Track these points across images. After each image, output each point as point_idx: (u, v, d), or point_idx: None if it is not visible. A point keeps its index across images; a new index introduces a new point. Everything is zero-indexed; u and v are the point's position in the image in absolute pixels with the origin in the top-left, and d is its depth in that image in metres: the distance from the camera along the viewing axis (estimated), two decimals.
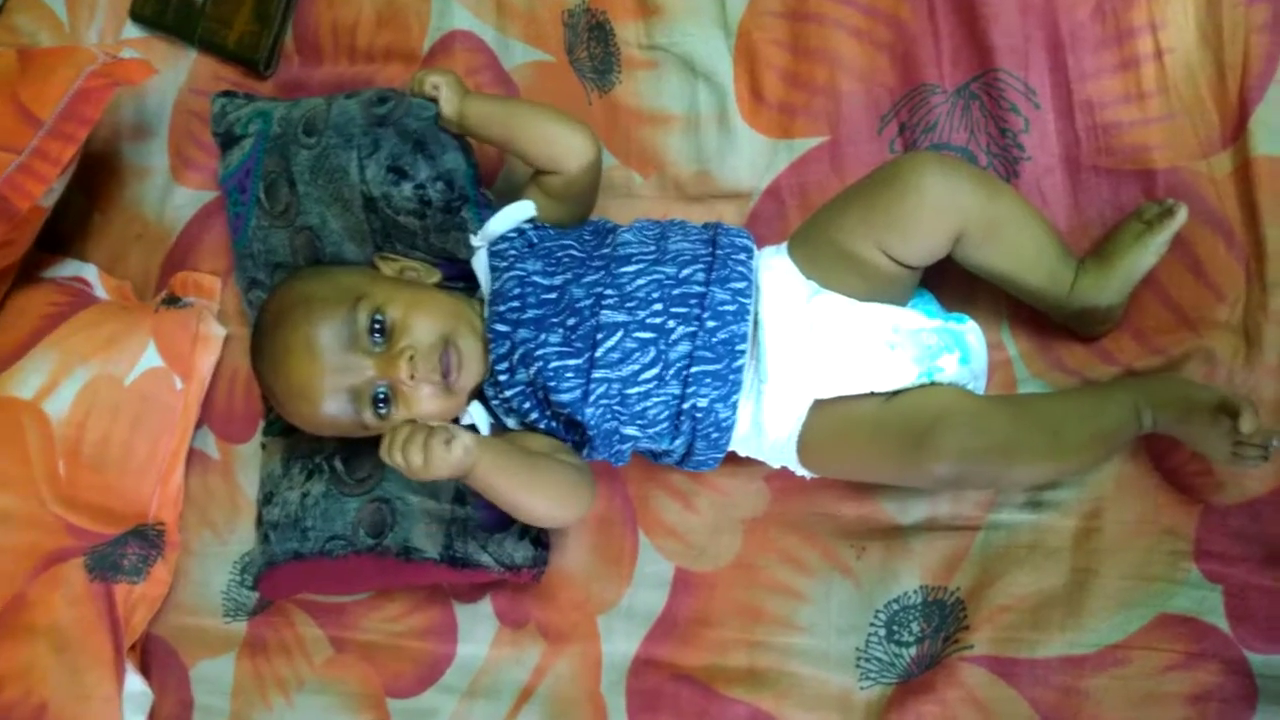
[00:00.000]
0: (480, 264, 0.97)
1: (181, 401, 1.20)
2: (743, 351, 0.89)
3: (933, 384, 0.88)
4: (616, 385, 0.90)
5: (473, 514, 1.04)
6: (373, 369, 0.91)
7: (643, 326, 0.89)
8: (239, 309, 1.22)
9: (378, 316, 0.91)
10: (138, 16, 1.30)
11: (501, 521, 1.03)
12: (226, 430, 1.22)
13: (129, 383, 1.19)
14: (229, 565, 1.20)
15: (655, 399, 0.90)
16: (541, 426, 0.95)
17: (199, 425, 1.23)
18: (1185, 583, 0.86)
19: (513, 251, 0.95)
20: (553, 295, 0.92)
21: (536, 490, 0.89)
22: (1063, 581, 0.90)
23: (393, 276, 0.99)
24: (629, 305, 0.89)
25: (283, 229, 1.09)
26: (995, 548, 0.93)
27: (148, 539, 1.20)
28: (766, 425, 0.91)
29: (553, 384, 0.91)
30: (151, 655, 1.22)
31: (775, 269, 0.93)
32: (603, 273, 0.91)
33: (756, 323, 0.91)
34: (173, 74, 1.29)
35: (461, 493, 1.04)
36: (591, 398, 0.90)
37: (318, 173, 1.05)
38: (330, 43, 1.22)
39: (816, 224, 0.93)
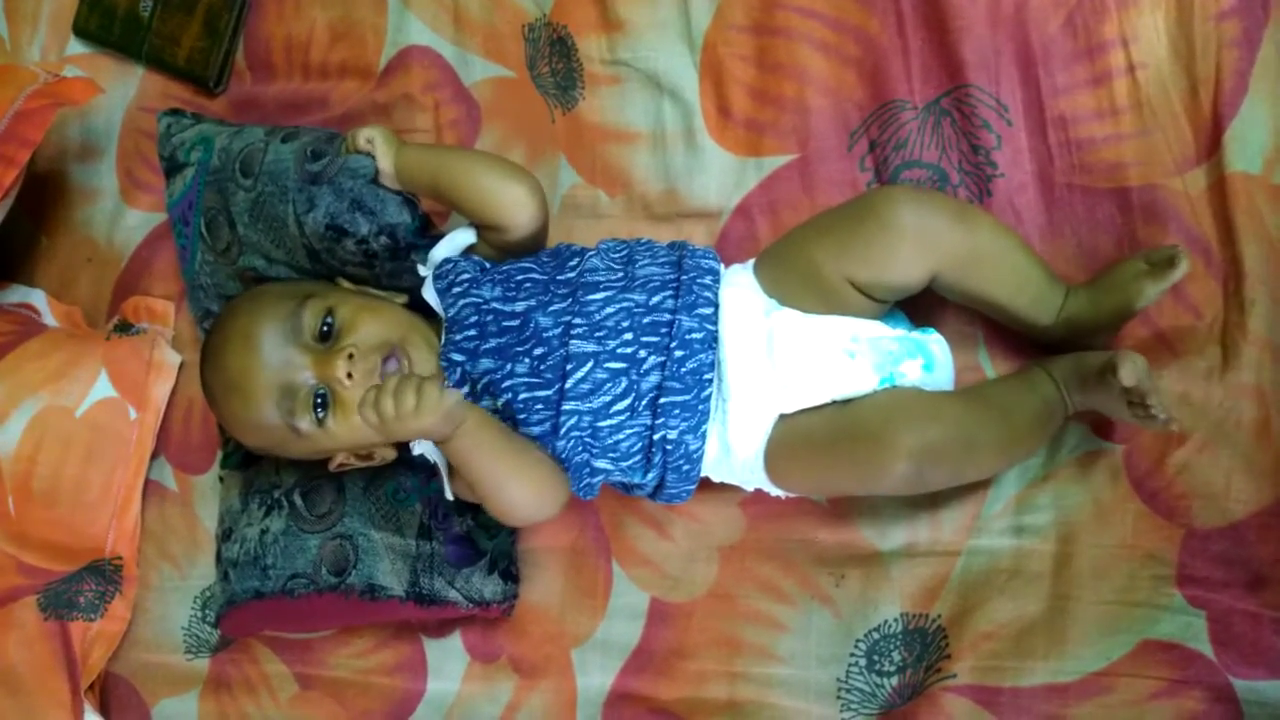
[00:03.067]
0: (430, 294, 0.93)
1: (136, 432, 1.17)
2: (710, 380, 0.87)
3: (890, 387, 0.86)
4: (587, 418, 0.87)
5: (438, 549, 1.01)
6: (310, 367, 0.87)
7: (614, 356, 0.86)
8: (194, 335, 1.19)
9: (327, 318, 0.88)
10: (82, 32, 1.26)
11: (469, 556, 1.00)
12: (184, 461, 1.19)
13: (80, 414, 1.15)
14: (190, 600, 1.17)
15: (628, 430, 0.88)
16: None
17: (155, 456, 1.19)
18: (1169, 608, 0.85)
19: (465, 276, 0.91)
20: (515, 323, 0.88)
21: (519, 471, 0.86)
22: (1044, 608, 0.89)
23: (352, 290, 0.96)
24: (599, 335, 0.86)
25: (226, 267, 1.06)
26: (975, 574, 0.91)
27: (104, 574, 1.17)
28: (734, 444, 0.88)
29: (523, 416, 0.88)
30: (111, 694, 1.18)
31: (737, 285, 0.90)
32: (569, 300, 0.88)
33: (717, 341, 0.88)
34: (120, 92, 1.25)
35: (428, 528, 1.01)
36: (562, 430, 0.88)
37: (256, 218, 1.01)
38: (283, 59, 1.18)
39: (787, 248, 0.91)
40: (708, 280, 0.89)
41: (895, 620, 0.93)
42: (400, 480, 1.02)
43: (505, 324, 0.88)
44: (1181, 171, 0.88)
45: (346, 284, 0.97)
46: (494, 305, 0.89)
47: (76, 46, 1.27)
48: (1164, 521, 0.87)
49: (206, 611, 1.15)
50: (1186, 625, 0.85)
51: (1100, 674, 0.86)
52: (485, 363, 0.88)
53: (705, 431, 0.87)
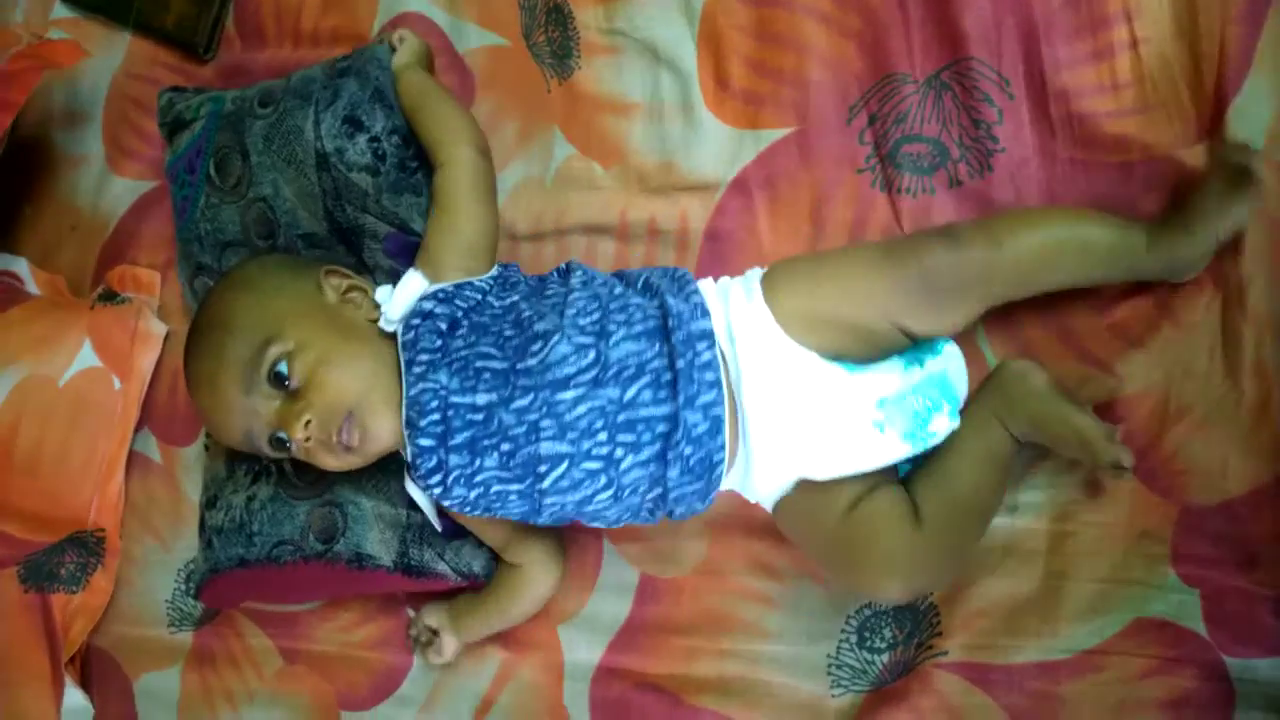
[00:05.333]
0: (399, 346, 0.89)
1: (120, 402, 1.15)
2: (721, 460, 0.84)
3: (880, 487, 0.86)
4: (572, 504, 0.86)
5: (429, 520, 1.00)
6: (270, 417, 0.86)
7: (589, 457, 0.83)
8: (180, 304, 1.17)
9: (280, 369, 0.85)
10: None
11: (459, 529, 0.99)
12: (168, 432, 1.17)
13: (63, 383, 1.13)
14: (173, 573, 1.16)
15: (616, 509, 0.87)
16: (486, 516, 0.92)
17: (139, 427, 1.18)
18: (1162, 586, 0.85)
19: (424, 356, 0.85)
20: (479, 416, 0.84)
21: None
22: (1037, 586, 0.88)
23: (331, 305, 0.91)
24: (570, 436, 0.82)
25: (234, 204, 1.04)
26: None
27: (86, 546, 1.15)
28: (755, 483, 0.88)
29: (498, 505, 0.87)
30: (92, 668, 1.18)
31: (747, 320, 0.85)
32: (533, 396, 0.82)
33: (734, 390, 0.85)
34: (107, 57, 1.23)
35: None
36: (545, 514, 0.87)
37: (271, 139, 1.01)
38: (273, 25, 1.16)
39: (814, 285, 0.86)
40: (706, 357, 0.83)
41: None
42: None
43: (469, 417, 0.84)
44: (1184, 146, 0.87)
45: (332, 280, 0.92)
46: (454, 399, 0.84)
47: (62, 10, 1.25)
48: (1160, 499, 0.86)
49: (190, 585, 1.13)
50: (1180, 603, 0.84)
51: (1093, 652, 0.85)
52: (455, 458, 0.85)
53: (714, 497, 0.87)
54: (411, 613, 1.06)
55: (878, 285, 0.83)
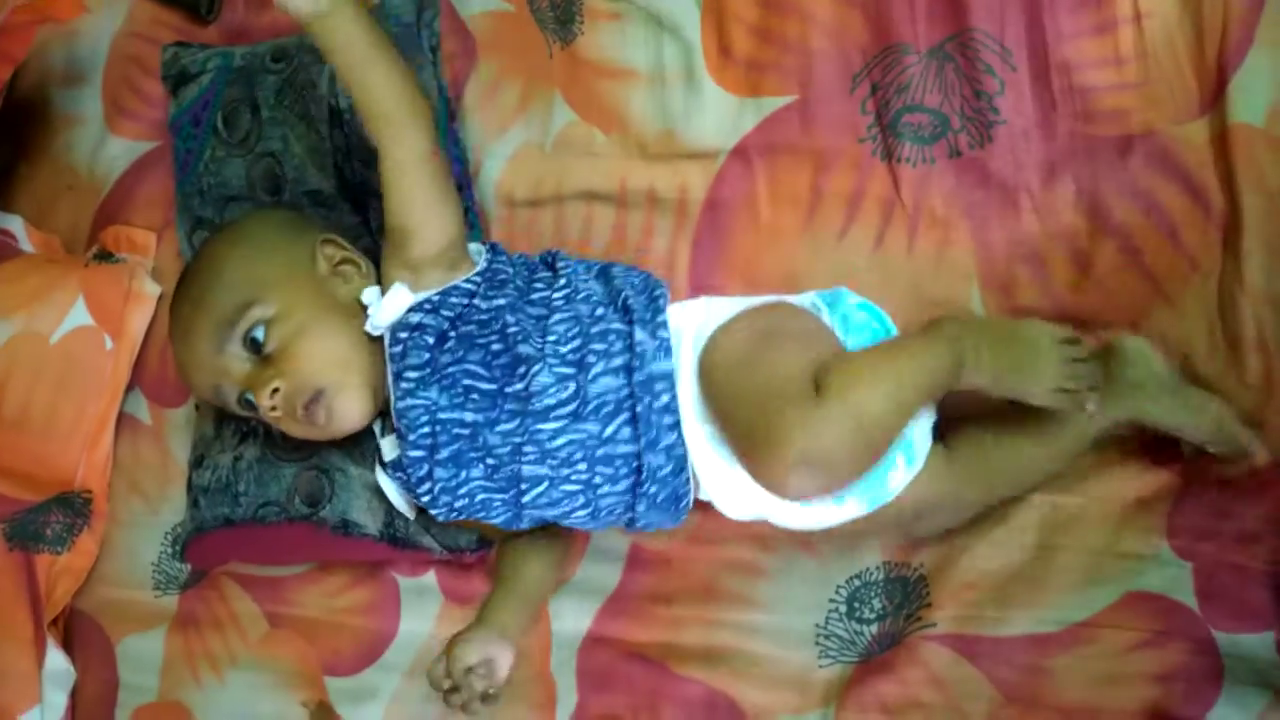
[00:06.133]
0: (387, 357, 0.88)
1: (111, 362, 1.15)
2: (687, 492, 0.85)
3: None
4: (552, 515, 0.88)
5: None
6: (240, 378, 0.87)
7: (568, 481, 0.85)
8: (175, 267, 1.16)
9: (255, 333, 0.86)
10: None
11: None
12: (159, 394, 1.17)
13: (55, 340, 1.13)
14: (160, 536, 1.15)
15: (598, 521, 0.88)
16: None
17: (130, 388, 1.17)
18: (1155, 559, 0.85)
19: (412, 373, 0.85)
20: (465, 431, 0.85)
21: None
22: (1028, 558, 0.88)
23: (321, 276, 0.90)
24: (551, 463, 0.84)
25: (240, 157, 1.04)
26: (960, 523, 0.90)
27: (73, 507, 1.15)
28: (719, 502, 0.86)
29: (482, 514, 0.88)
30: (75, 630, 1.17)
31: (691, 363, 0.83)
32: (518, 422, 0.83)
33: (688, 461, 0.84)
34: (108, 16, 1.23)
35: None
36: (525, 520, 0.88)
37: (283, 93, 1.01)
38: None
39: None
40: (664, 400, 0.82)
41: (877, 568, 0.92)
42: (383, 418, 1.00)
43: (456, 431, 0.85)
44: (1184, 121, 0.87)
45: (328, 250, 0.91)
46: (441, 415, 0.85)
47: None
48: (1159, 472, 0.86)
49: (176, 548, 1.13)
50: (1172, 577, 0.84)
51: (1083, 625, 0.85)
52: (440, 471, 0.86)
53: (685, 515, 0.88)
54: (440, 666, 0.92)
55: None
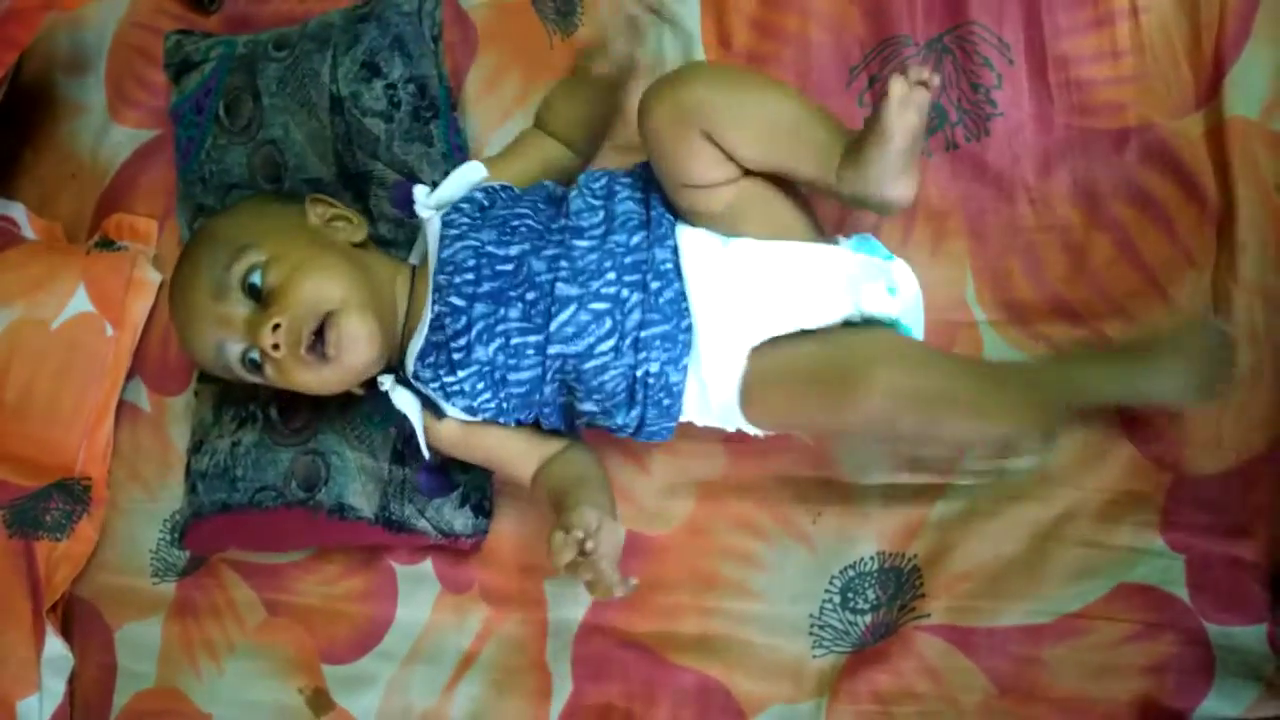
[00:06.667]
0: (432, 231, 0.92)
1: (112, 349, 1.15)
2: (688, 310, 0.85)
3: (871, 324, 0.84)
4: (573, 360, 0.86)
5: (411, 476, 0.99)
6: (239, 329, 0.87)
7: (597, 297, 0.85)
8: (176, 254, 1.16)
9: (253, 277, 0.86)
10: None
11: (441, 487, 0.99)
12: (159, 382, 1.17)
13: (56, 327, 1.13)
14: (159, 523, 1.15)
15: (612, 370, 0.86)
16: (491, 408, 0.91)
17: (130, 375, 1.18)
18: (1148, 551, 0.85)
19: (464, 221, 0.90)
20: (509, 267, 0.87)
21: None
22: (1023, 549, 0.88)
23: (314, 226, 0.92)
24: (581, 279, 0.85)
25: (241, 145, 1.05)
26: (954, 515, 0.91)
27: (72, 494, 1.15)
28: (709, 382, 0.87)
29: (513, 362, 0.87)
30: (74, 617, 1.17)
31: (690, 231, 0.88)
32: (560, 246, 0.87)
33: (682, 285, 0.86)
34: (113, 5, 1.24)
35: (400, 453, 1.00)
36: (549, 374, 0.87)
37: (285, 82, 1.02)
38: None
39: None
40: (670, 215, 0.88)
41: (871, 559, 0.92)
42: (378, 401, 1.01)
43: (499, 268, 0.87)
44: (1180, 115, 0.88)
45: (316, 207, 0.93)
46: (489, 249, 0.88)
47: None
48: (1153, 466, 0.86)
49: (175, 535, 1.13)
50: (1164, 569, 0.84)
51: (1075, 616, 0.85)
52: (480, 307, 0.87)
53: (686, 365, 0.86)
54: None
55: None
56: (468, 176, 0.94)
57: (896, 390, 0.76)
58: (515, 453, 0.94)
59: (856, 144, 0.78)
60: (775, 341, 0.84)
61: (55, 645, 1.13)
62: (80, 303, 1.14)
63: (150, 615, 1.14)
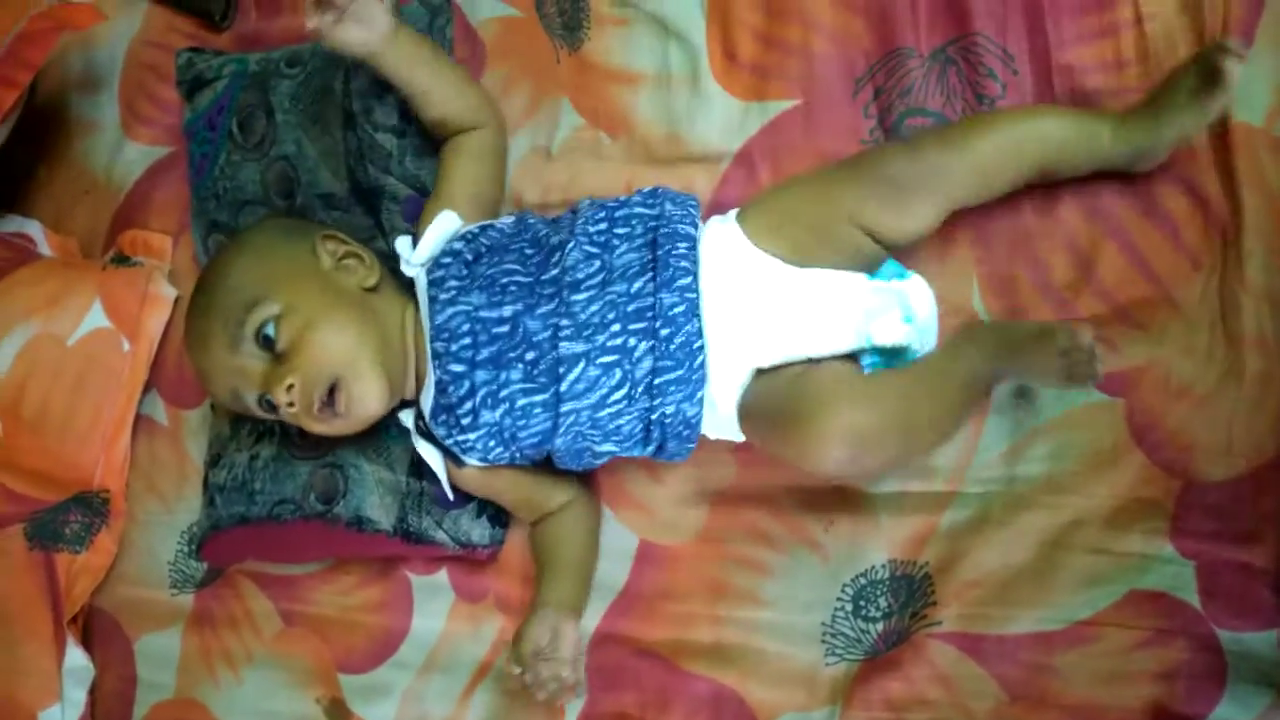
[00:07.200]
0: (420, 289, 0.93)
1: (128, 364, 1.16)
2: (701, 348, 0.86)
3: (832, 360, 0.86)
4: (586, 412, 0.88)
5: (428, 488, 1.00)
6: (257, 379, 0.89)
7: (604, 351, 0.86)
8: (191, 269, 1.18)
9: (266, 329, 0.88)
10: None
11: (457, 499, 1.00)
12: (176, 395, 1.18)
13: (72, 343, 1.14)
14: (176, 535, 1.17)
15: (627, 416, 0.88)
16: (506, 458, 0.93)
17: (147, 389, 1.19)
18: (1158, 558, 0.85)
19: (453, 282, 0.90)
20: (504, 329, 0.88)
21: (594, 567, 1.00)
22: (1033, 557, 0.88)
23: (325, 270, 0.93)
24: (586, 333, 0.86)
25: (255, 161, 1.06)
26: (965, 523, 0.91)
27: (91, 507, 1.16)
28: (715, 399, 0.88)
29: (521, 422, 0.89)
30: (94, 628, 1.18)
31: (718, 236, 0.90)
32: (556, 302, 0.87)
33: (699, 309, 0.87)
34: (125, 24, 1.25)
35: (418, 466, 1.01)
36: (561, 429, 0.88)
37: (298, 98, 1.03)
38: None
39: (781, 191, 0.91)
40: (683, 249, 0.87)
41: (883, 566, 0.93)
42: (395, 414, 1.02)
43: (495, 330, 0.88)
44: None
45: (329, 245, 0.94)
46: (482, 314, 0.88)
47: None
48: (1162, 473, 0.86)
49: (193, 547, 1.14)
50: (1175, 575, 0.84)
51: (1086, 623, 0.86)
52: (481, 374, 0.88)
53: (701, 398, 0.87)
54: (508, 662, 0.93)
55: (840, 187, 0.87)
56: (444, 227, 0.95)
57: (852, 436, 0.78)
58: (524, 505, 0.99)
59: (1147, 121, 0.83)
60: (778, 367, 0.86)
61: (76, 656, 1.14)
62: (97, 318, 1.15)
63: (169, 626, 1.15)
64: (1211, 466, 0.85)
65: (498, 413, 0.88)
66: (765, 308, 0.86)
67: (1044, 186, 0.91)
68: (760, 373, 0.87)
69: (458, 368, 0.88)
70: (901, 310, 0.86)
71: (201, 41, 1.21)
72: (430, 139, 1.02)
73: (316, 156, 1.02)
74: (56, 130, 1.27)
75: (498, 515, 1.03)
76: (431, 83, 0.97)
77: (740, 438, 0.92)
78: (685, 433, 0.89)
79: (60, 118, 1.27)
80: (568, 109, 1.06)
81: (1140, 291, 0.89)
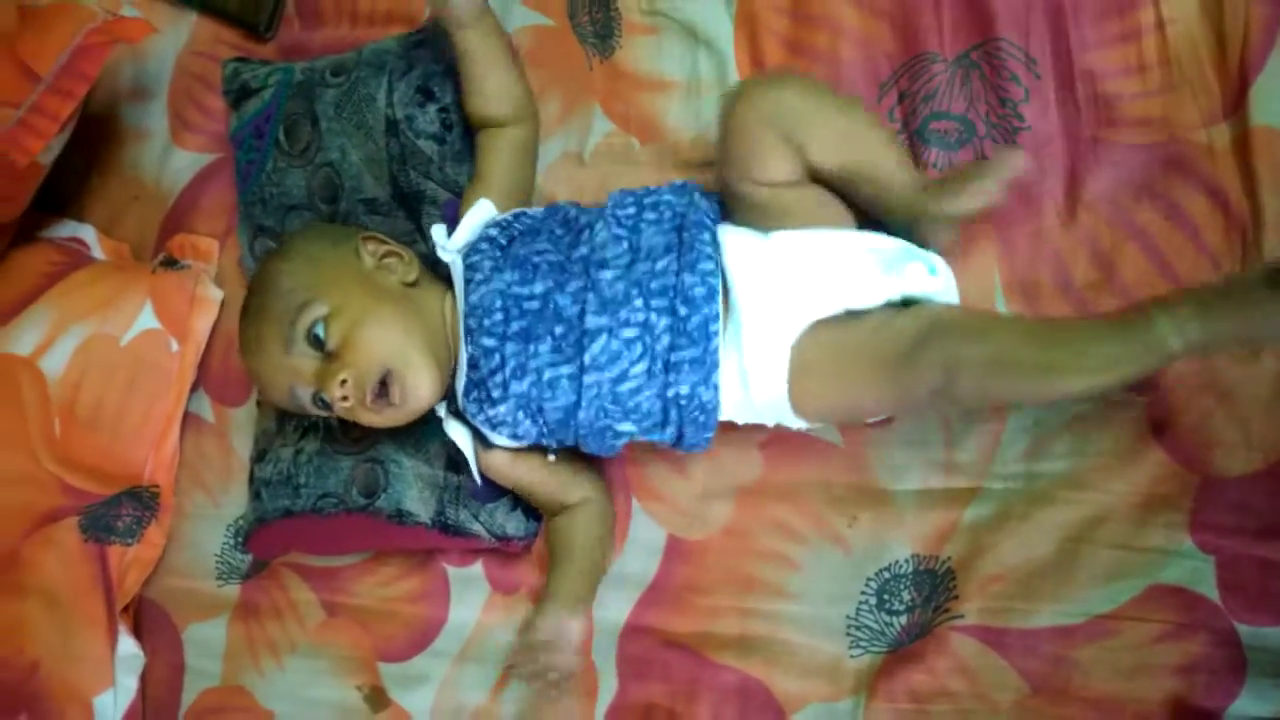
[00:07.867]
0: (456, 274, 0.97)
1: (177, 364, 1.20)
2: (715, 332, 0.88)
3: (922, 303, 0.87)
4: (608, 385, 0.90)
5: (465, 482, 1.03)
6: (311, 377, 0.92)
7: (627, 325, 0.89)
8: (237, 272, 1.22)
9: (316, 329, 0.91)
10: None
11: (493, 493, 1.03)
12: (222, 394, 1.22)
13: (125, 343, 1.18)
14: (222, 528, 1.20)
15: (647, 391, 0.90)
16: (534, 433, 0.96)
17: (194, 388, 1.22)
18: (1178, 553, 0.86)
19: (488, 263, 0.94)
20: (535, 304, 0.92)
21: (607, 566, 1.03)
22: (1054, 551, 0.90)
23: (368, 270, 0.97)
24: (610, 308, 0.89)
25: (300, 168, 1.10)
26: (987, 518, 0.93)
27: (142, 501, 1.20)
28: (752, 375, 0.89)
29: (549, 394, 0.92)
30: (143, 618, 1.22)
31: (734, 229, 0.93)
32: (584, 279, 0.91)
33: (725, 280, 0.90)
34: (173, 36, 1.29)
35: (455, 460, 1.04)
36: (584, 401, 0.91)
37: (342, 106, 1.07)
38: (331, 6, 1.22)
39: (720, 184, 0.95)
40: (706, 237, 0.90)
41: (906, 561, 0.95)
42: (434, 410, 1.05)
43: (526, 306, 0.91)
44: (1206, 126, 0.89)
45: (370, 245, 0.98)
46: (514, 290, 0.92)
47: None
48: (1181, 469, 0.87)
49: (238, 540, 1.18)
50: (1194, 570, 0.85)
51: (1107, 617, 0.87)
52: (511, 346, 0.91)
53: (716, 383, 0.89)
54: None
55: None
56: (480, 215, 0.99)
57: (956, 360, 0.78)
58: (544, 494, 1.01)
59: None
60: (822, 327, 0.87)
61: (127, 644, 1.17)
62: (147, 319, 1.19)
63: (215, 616, 1.18)
64: (1230, 462, 0.86)
65: (525, 383, 0.91)
66: (791, 273, 0.88)
67: (1066, 189, 0.92)
68: (803, 339, 0.87)
69: (489, 342, 0.92)
70: (925, 262, 0.88)
71: (247, 52, 1.25)
72: (469, 141, 1.05)
73: (360, 162, 1.06)
74: (108, 138, 1.32)
75: (531, 509, 1.06)
76: (494, 68, 1.01)
77: (771, 421, 0.93)
78: (702, 419, 0.91)
79: (112, 126, 1.32)
80: (599, 115, 1.09)
81: (1161, 292, 0.89)
